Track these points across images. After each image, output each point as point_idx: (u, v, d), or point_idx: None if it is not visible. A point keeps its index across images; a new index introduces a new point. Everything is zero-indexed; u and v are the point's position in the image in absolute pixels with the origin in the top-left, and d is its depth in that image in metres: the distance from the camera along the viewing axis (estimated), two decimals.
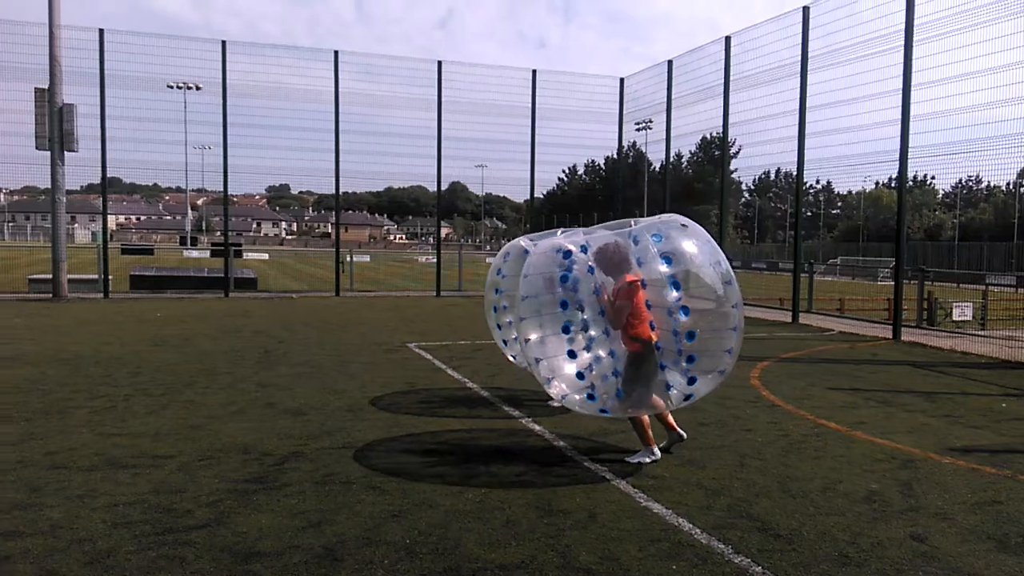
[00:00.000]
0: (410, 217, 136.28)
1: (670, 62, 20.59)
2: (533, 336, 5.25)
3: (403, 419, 6.73)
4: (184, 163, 36.53)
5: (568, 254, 5.19)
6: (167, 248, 45.59)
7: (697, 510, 4.55)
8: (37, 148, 17.79)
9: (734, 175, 22.11)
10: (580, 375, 5.22)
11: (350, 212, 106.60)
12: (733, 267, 5.32)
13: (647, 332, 5.11)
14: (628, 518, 4.41)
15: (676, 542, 4.07)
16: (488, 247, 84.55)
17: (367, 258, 24.25)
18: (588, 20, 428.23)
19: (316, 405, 7.17)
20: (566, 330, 5.13)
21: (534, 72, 22.23)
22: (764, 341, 12.66)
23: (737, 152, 21.58)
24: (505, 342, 7.29)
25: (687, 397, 5.22)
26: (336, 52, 20.27)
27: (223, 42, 19.43)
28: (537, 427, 6.47)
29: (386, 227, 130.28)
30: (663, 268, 5.06)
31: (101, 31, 18.49)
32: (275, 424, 6.42)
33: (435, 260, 24.06)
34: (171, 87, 21.68)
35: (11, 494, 4.59)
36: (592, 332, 5.16)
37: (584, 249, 5.23)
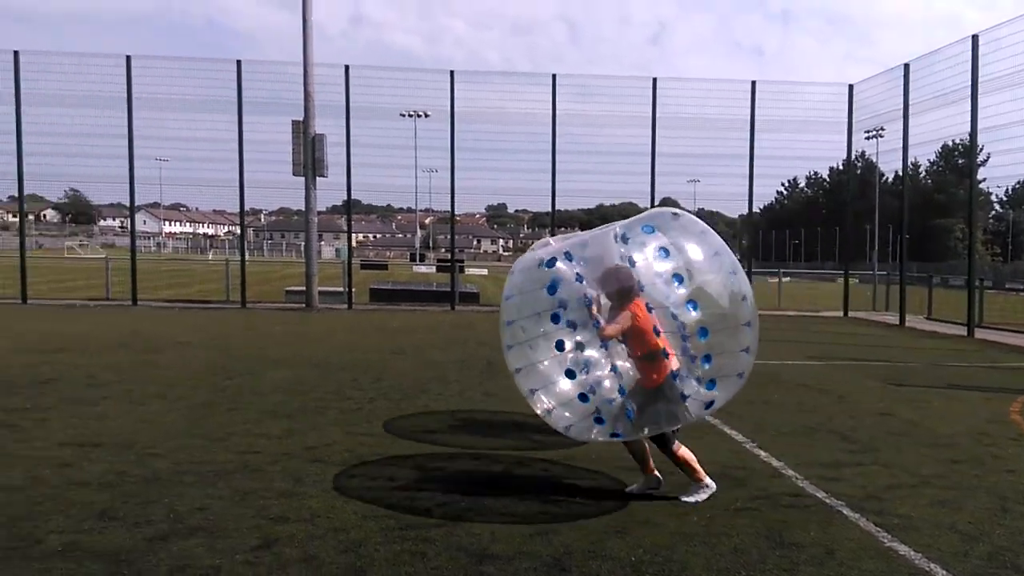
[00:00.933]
0: None
1: (906, 66, 19.00)
2: (522, 365, 4.94)
3: None
4: (414, 185, 39.42)
5: (552, 266, 4.84)
6: (399, 264, 49.23)
7: (951, 556, 4.15)
8: (293, 175, 19.89)
9: (982, 185, 19.92)
10: (583, 396, 4.85)
11: (563, 229, 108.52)
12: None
13: (656, 341, 4.68)
14: (870, 558, 4.10)
15: None
16: None
17: None
18: (807, 25, 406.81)
19: (538, 417, 7.37)
20: (560, 346, 4.86)
21: (753, 83, 21.32)
22: None
23: (985, 160, 19.47)
24: None
25: (708, 404, 4.81)
26: (554, 76, 20.69)
27: (451, 72, 20.50)
28: (763, 452, 6.22)
29: None
30: (659, 265, 4.71)
31: (347, 67, 20.19)
32: (500, 432, 6.72)
33: None
34: (403, 115, 23.44)
35: (279, 483, 5.18)
36: (588, 352, 4.84)
37: (564, 258, 4.83)
